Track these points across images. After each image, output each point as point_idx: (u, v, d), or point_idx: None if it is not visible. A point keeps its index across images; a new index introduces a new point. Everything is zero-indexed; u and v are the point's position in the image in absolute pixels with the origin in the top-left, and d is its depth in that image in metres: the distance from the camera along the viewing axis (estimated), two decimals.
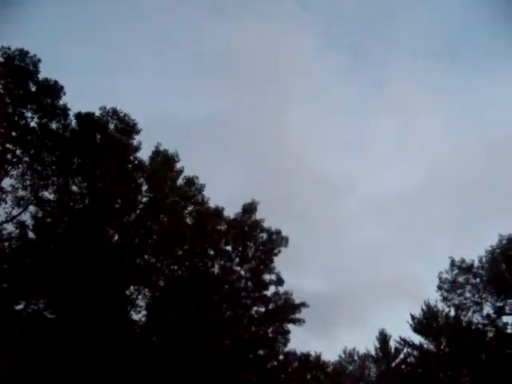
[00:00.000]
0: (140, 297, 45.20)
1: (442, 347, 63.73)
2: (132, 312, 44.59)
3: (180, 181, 47.36)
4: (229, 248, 51.31)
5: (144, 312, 45.37)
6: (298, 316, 52.98)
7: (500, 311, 52.76)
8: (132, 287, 44.89)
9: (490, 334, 55.45)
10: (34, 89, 39.31)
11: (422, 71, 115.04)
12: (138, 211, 45.11)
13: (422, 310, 66.98)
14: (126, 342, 40.89)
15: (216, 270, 50.62)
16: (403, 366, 69.85)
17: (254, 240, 51.78)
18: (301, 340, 71.89)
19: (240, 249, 51.34)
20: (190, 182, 47.26)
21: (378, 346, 73.12)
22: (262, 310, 52.76)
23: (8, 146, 39.22)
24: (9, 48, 38.47)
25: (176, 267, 47.66)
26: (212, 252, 50.37)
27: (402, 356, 70.93)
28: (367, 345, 74.46)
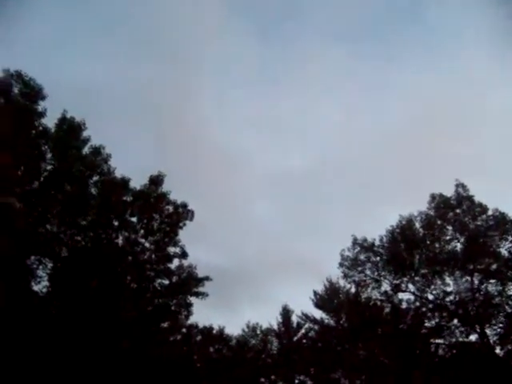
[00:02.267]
0: (41, 267, 43.97)
1: (342, 322, 66.34)
2: (32, 283, 43.35)
3: (86, 150, 46.25)
4: (134, 219, 50.67)
5: (45, 283, 44.22)
6: (201, 290, 53.29)
7: (396, 288, 55.39)
8: (33, 257, 43.63)
9: (387, 310, 58.09)
10: None
11: (326, 51, 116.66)
12: (41, 179, 43.66)
13: (325, 286, 69.33)
14: (25, 313, 39.80)
15: (120, 241, 49.87)
16: (304, 341, 72.12)
17: (159, 212, 51.38)
18: (204, 314, 72.54)
19: (145, 221, 50.80)
20: (97, 151, 46.32)
21: (281, 321, 74.95)
22: (166, 282, 52.66)
23: None
24: None
25: (80, 238, 46.58)
26: (117, 223, 49.56)
27: (303, 331, 73.15)
28: (271, 320, 76.02)
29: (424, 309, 56.05)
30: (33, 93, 41.62)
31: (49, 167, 44.09)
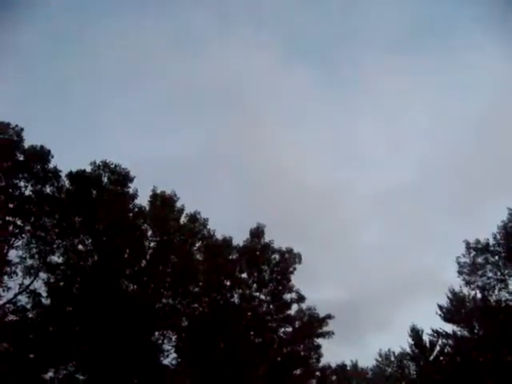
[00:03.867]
0: (166, 341, 45.09)
1: (476, 331, 63.15)
2: (161, 357, 44.43)
3: (183, 219, 47.50)
4: (244, 275, 51.27)
5: (173, 355, 45.21)
6: (325, 329, 52.76)
7: None
8: (156, 333, 44.84)
9: None
10: (22, 158, 39.87)
11: (394, 67, 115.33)
12: (147, 257, 45.15)
13: (448, 297, 66.42)
14: None
15: (236, 299, 50.50)
16: (441, 358, 69.07)
17: (267, 263, 51.73)
18: (334, 352, 71.34)
19: (255, 274, 51.33)
20: (193, 218, 47.48)
21: (413, 342, 72.31)
22: (289, 329, 52.62)
23: (8, 218, 39.60)
24: None
25: (196, 305, 47.54)
26: (228, 282, 50.29)
27: (438, 348, 70.19)
28: (401, 343, 73.58)
29: None
30: (121, 178, 43.50)
31: (152, 244, 45.51)
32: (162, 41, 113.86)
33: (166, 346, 45.14)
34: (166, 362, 44.73)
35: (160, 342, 44.79)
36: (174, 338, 45.82)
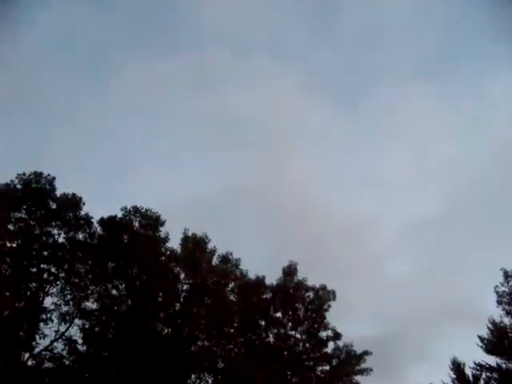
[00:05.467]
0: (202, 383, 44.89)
1: None
2: None
3: (215, 260, 47.70)
4: (279, 314, 51.01)
5: None
6: (363, 366, 51.82)
7: None
8: (193, 376, 44.73)
9: None
10: (54, 206, 40.95)
11: (415, 93, 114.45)
12: (181, 300, 45.37)
13: (489, 328, 64.83)
14: None
15: (271, 339, 50.21)
16: None
17: (301, 301, 51.44)
18: None
19: (290, 312, 51.05)
20: (225, 259, 47.67)
21: (454, 376, 70.38)
22: (327, 368, 51.84)
23: (43, 266, 40.42)
24: (24, 174, 40.41)
25: (231, 346, 47.37)
26: (263, 322, 50.09)
27: (482, 382, 68.19)
28: (441, 376, 71.49)
29: None
30: (152, 222, 44.12)
31: (185, 286, 45.74)
32: (185, 77, 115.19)
33: None
34: None
35: None
36: (210, 380, 45.54)
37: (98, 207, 44.08)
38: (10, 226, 39.96)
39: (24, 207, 40.31)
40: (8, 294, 39.16)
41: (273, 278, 51.27)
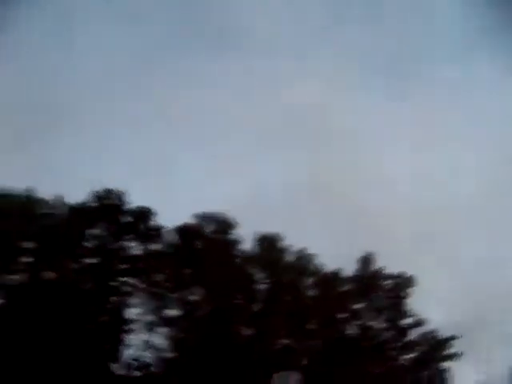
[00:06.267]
0: None
1: None
2: None
3: (290, 257, 47.33)
4: (358, 306, 50.32)
5: None
6: (450, 351, 50.63)
7: None
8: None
9: None
10: (127, 220, 41.58)
11: None
12: (260, 300, 45.39)
13: None
14: None
15: (352, 331, 49.68)
16: None
17: (380, 290, 50.61)
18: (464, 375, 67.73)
19: (370, 303, 50.25)
20: (300, 255, 47.26)
21: None
22: (413, 356, 50.99)
23: (122, 279, 41.25)
24: (96, 191, 41.24)
25: (313, 342, 47.16)
26: (343, 315, 49.59)
27: None
28: None
29: None
30: (224, 226, 44.28)
31: (263, 286, 45.71)
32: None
33: None
34: None
35: None
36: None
37: (170, 215, 44.41)
38: (88, 244, 40.97)
39: (98, 224, 41.16)
40: (92, 309, 40.22)
41: (349, 270, 50.45)
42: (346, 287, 49.96)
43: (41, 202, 41.51)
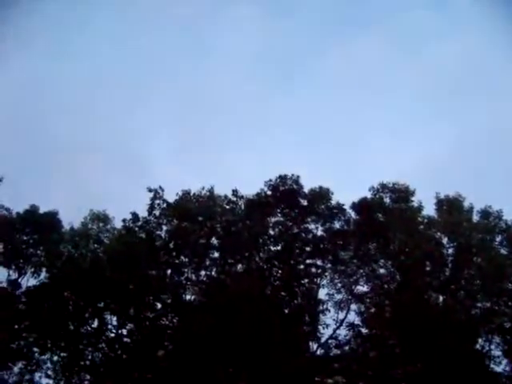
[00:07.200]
0: (493, 347, 42.82)
1: None
2: (491, 365, 42.18)
3: (475, 217, 45.16)
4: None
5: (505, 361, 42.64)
6: None
7: None
8: (480, 340, 42.92)
9: None
10: (305, 203, 41.94)
11: None
12: (449, 265, 43.85)
13: None
14: None
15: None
16: None
17: None
18: None
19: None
20: (486, 213, 44.64)
21: None
22: None
23: (308, 261, 41.86)
24: (270, 180, 43.25)
25: None
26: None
27: None
28: None
29: None
30: (402, 194, 43.83)
31: (450, 250, 44.31)
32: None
33: (496, 352, 42.74)
34: (498, 369, 42.26)
35: (487, 348, 42.75)
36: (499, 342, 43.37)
37: (344, 192, 44.37)
38: (271, 231, 41.96)
39: (278, 211, 42.02)
40: (284, 293, 41.23)
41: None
42: None
43: (221, 198, 43.23)
